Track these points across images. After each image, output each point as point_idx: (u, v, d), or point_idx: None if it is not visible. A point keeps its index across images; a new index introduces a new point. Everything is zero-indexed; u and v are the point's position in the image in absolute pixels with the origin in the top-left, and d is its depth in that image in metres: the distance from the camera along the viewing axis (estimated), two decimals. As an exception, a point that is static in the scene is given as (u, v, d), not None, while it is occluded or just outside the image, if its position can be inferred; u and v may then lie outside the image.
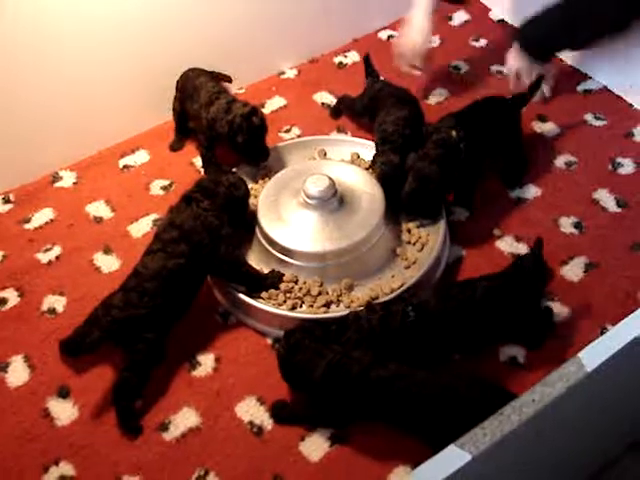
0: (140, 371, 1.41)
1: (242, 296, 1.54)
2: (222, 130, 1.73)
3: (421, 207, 1.65)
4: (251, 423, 1.40)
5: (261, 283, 1.56)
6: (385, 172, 1.66)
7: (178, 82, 1.89)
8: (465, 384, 1.27)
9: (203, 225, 1.51)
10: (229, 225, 1.56)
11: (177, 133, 1.95)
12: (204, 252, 1.49)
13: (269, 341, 1.53)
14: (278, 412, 1.41)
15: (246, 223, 1.65)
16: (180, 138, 1.95)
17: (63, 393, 1.46)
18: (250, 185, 1.76)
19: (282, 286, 1.56)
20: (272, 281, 1.56)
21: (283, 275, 1.57)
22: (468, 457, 0.84)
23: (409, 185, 1.61)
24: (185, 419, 1.41)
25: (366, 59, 1.97)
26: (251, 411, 1.42)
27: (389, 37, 2.24)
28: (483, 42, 2.19)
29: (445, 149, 1.63)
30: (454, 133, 1.65)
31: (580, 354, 0.93)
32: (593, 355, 0.93)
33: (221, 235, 1.53)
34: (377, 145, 1.75)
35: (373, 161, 1.73)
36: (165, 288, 1.43)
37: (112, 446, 1.38)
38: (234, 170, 1.77)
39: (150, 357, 1.42)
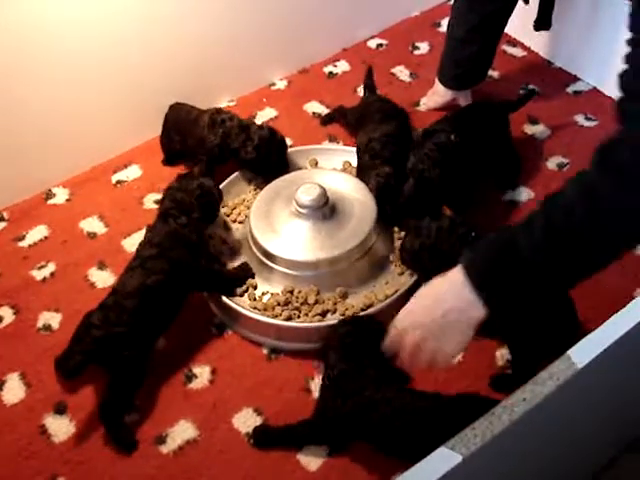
0: (123, 389, 1.41)
1: (238, 307, 1.54)
2: (249, 157, 1.75)
3: (422, 209, 1.64)
4: (248, 434, 1.39)
5: (235, 283, 1.59)
6: (381, 183, 1.65)
7: (167, 123, 1.91)
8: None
9: (182, 242, 1.51)
10: (205, 222, 1.59)
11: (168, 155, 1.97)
12: (184, 268, 1.49)
13: (265, 352, 1.53)
14: (259, 437, 1.39)
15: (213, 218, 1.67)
16: (171, 158, 1.96)
17: (60, 409, 1.45)
18: (242, 196, 1.77)
19: (278, 298, 1.55)
20: (244, 274, 1.59)
21: (251, 269, 1.61)
22: (459, 458, 0.83)
23: (410, 187, 1.61)
24: (182, 432, 1.41)
25: (369, 72, 1.98)
26: (248, 422, 1.42)
27: (378, 45, 2.25)
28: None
29: (445, 152, 1.64)
30: (453, 137, 1.65)
31: (569, 351, 0.92)
32: (583, 352, 0.92)
33: (200, 250, 1.53)
34: (362, 159, 1.75)
35: (362, 174, 1.73)
36: (144, 305, 1.42)
37: (109, 461, 1.38)
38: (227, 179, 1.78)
39: (131, 375, 1.41)
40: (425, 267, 1.45)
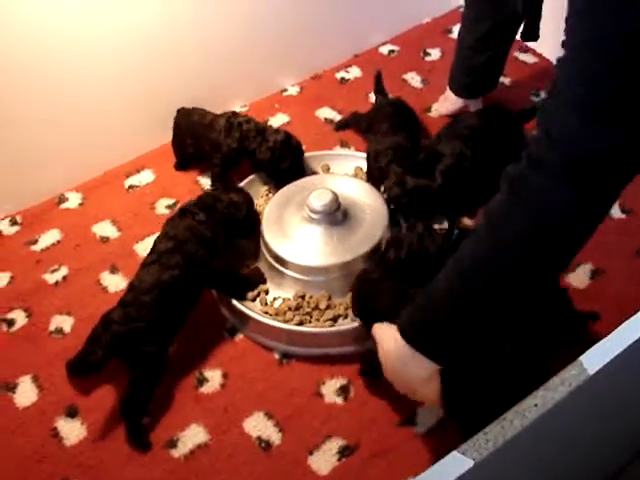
0: (144, 385, 1.42)
1: (249, 312, 1.54)
2: (263, 157, 1.76)
3: (422, 211, 1.65)
4: (259, 438, 1.40)
5: (247, 286, 1.60)
6: (397, 194, 1.65)
7: (180, 128, 1.91)
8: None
9: (196, 237, 1.52)
10: (228, 239, 1.59)
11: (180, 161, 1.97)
12: (198, 264, 1.50)
13: (276, 356, 1.53)
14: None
15: (249, 233, 1.68)
16: (183, 162, 1.96)
17: (71, 412, 1.46)
18: (255, 201, 1.77)
19: (290, 303, 1.56)
20: (256, 279, 1.61)
21: (262, 274, 1.62)
22: (470, 463, 0.83)
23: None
24: (193, 436, 1.41)
25: (377, 77, 1.99)
26: (259, 426, 1.42)
27: (390, 52, 2.26)
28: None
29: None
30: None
31: (581, 357, 0.92)
32: (595, 358, 0.92)
33: (215, 248, 1.54)
34: (370, 167, 1.78)
35: (372, 182, 1.74)
36: (162, 300, 1.44)
37: (120, 464, 1.38)
38: (242, 186, 1.78)
39: (152, 370, 1.43)
40: (411, 275, 1.45)
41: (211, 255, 1.53)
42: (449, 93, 1.97)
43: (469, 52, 1.83)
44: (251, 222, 1.67)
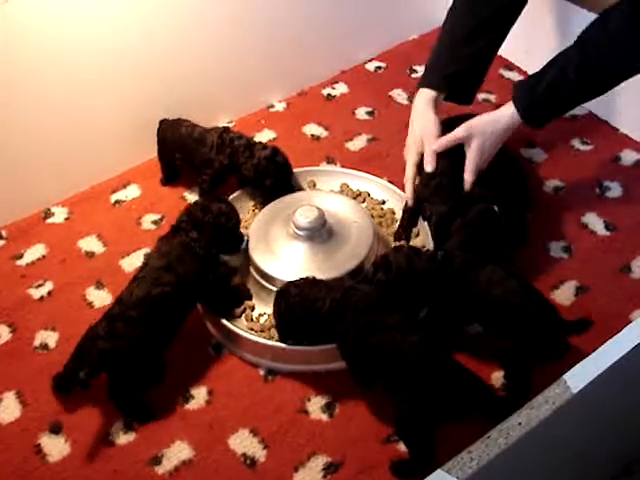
0: (135, 389, 1.44)
1: (235, 328, 1.54)
2: (247, 173, 1.76)
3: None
4: (244, 455, 1.39)
5: (233, 304, 1.61)
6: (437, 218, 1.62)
7: (166, 141, 1.90)
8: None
9: (189, 254, 1.52)
10: (219, 251, 1.58)
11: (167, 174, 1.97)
12: (190, 282, 1.49)
13: (261, 372, 1.52)
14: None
15: (237, 248, 1.66)
16: (171, 174, 1.96)
17: (55, 429, 1.45)
18: (240, 216, 1.77)
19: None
20: (241, 296, 1.62)
21: (248, 290, 1.63)
22: (455, 482, 0.84)
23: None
24: (178, 452, 1.40)
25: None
26: (244, 443, 1.41)
27: (377, 68, 2.27)
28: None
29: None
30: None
31: (565, 376, 0.93)
32: (578, 376, 0.93)
33: (209, 265, 1.54)
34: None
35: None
36: (150, 316, 1.43)
37: (104, 482, 1.37)
38: (228, 198, 1.76)
39: (141, 380, 1.44)
40: (399, 295, 1.46)
41: (203, 273, 1.52)
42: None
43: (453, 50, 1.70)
44: (238, 233, 1.66)
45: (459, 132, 1.63)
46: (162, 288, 1.45)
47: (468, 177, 1.62)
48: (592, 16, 1.53)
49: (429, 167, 1.65)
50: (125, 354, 1.40)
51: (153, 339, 1.44)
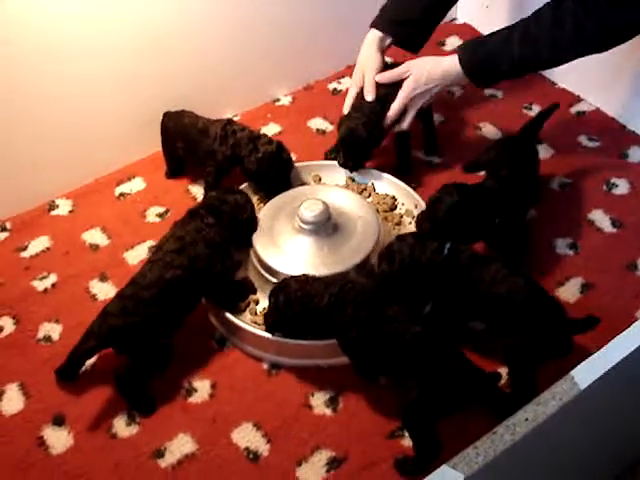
0: (142, 371, 1.45)
1: (238, 322, 1.54)
2: (251, 167, 1.75)
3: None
4: (247, 449, 1.39)
5: (237, 297, 1.60)
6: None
7: (168, 131, 1.89)
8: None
9: (204, 239, 1.52)
10: (233, 244, 1.59)
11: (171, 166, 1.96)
12: (201, 266, 1.49)
13: (265, 367, 1.52)
14: None
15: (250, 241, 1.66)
16: (175, 167, 1.96)
17: (58, 421, 1.45)
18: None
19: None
20: (246, 290, 1.61)
21: (253, 284, 1.62)
22: (461, 477, 0.83)
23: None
24: (181, 445, 1.40)
25: (545, 112, 1.81)
26: (247, 437, 1.41)
27: (383, 63, 2.26)
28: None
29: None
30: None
31: (573, 372, 0.92)
32: (586, 372, 0.92)
33: (220, 253, 1.54)
34: None
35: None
36: (161, 298, 1.44)
37: (107, 474, 1.37)
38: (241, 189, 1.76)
39: (153, 361, 1.45)
40: (403, 287, 1.46)
41: (216, 259, 1.53)
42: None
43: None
44: (253, 223, 1.67)
45: (401, 67, 1.77)
46: (174, 271, 1.46)
47: (393, 107, 1.76)
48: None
49: (369, 96, 1.79)
50: (135, 332, 1.41)
51: (163, 321, 1.45)
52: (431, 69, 1.71)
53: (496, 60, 1.62)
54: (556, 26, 1.53)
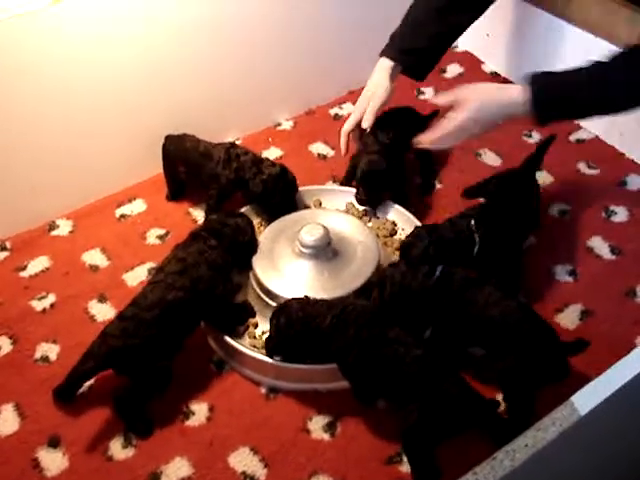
0: (140, 393, 1.44)
1: (237, 345, 1.53)
2: (255, 189, 1.76)
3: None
4: (244, 473, 1.38)
5: (236, 321, 1.60)
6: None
7: (170, 154, 1.90)
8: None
9: (207, 261, 1.52)
10: (234, 267, 1.59)
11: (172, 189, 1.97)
12: (202, 288, 1.49)
13: (263, 390, 1.51)
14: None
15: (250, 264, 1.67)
16: (176, 190, 1.96)
17: (53, 443, 1.44)
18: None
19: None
20: (246, 313, 1.61)
21: (252, 307, 1.62)
22: (460, 503, 0.83)
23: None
24: (177, 469, 1.39)
25: (544, 145, 1.80)
26: (244, 461, 1.40)
27: (384, 89, 2.28)
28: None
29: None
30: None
31: (573, 397, 0.92)
32: (586, 398, 0.92)
33: (222, 275, 1.54)
34: None
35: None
36: (162, 319, 1.43)
37: (102, 497, 1.36)
38: (242, 212, 1.78)
39: (153, 383, 1.44)
40: (396, 312, 1.45)
41: (218, 281, 1.53)
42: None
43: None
44: (253, 246, 1.67)
45: (460, 89, 1.59)
46: (176, 293, 1.46)
47: (446, 128, 1.58)
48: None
49: (366, 123, 1.78)
50: (135, 353, 1.40)
51: (163, 342, 1.44)
52: (495, 97, 1.54)
53: (569, 96, 1.47)
54: (633, 70, 1.43)
